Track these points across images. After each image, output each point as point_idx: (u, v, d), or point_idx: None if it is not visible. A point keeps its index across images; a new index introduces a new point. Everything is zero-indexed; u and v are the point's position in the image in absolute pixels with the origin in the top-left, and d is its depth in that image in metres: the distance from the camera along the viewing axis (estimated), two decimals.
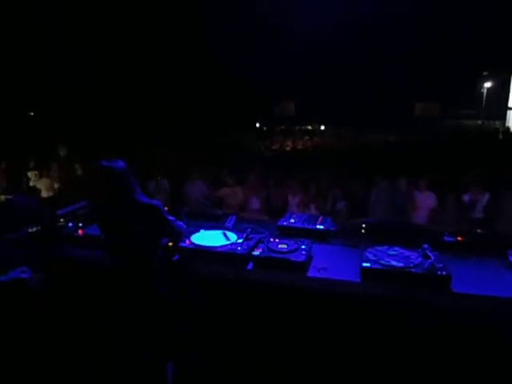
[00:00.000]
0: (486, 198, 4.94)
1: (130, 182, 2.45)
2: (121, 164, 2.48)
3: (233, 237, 2.99)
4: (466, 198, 5.16)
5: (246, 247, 2.81)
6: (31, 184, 6.48)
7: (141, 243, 2.44)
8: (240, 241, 2.91)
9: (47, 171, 6.71)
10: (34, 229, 3.15)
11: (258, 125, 21.99)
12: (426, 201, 5.43)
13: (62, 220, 3.28)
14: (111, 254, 2.55)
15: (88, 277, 2.79)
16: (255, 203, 5.68)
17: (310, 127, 23.93)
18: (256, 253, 2.76)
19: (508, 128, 21.13)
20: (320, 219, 3.40)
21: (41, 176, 6.58)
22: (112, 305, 2.51)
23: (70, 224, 3.22)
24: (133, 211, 2.41)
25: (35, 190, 6.28)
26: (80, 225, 3.21)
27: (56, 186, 6.42)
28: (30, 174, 6.61)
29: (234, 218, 3.46)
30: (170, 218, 2.54)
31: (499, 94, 24.74)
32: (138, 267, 2.46)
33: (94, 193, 2.69)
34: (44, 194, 6.24)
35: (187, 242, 2.91)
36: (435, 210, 5.38)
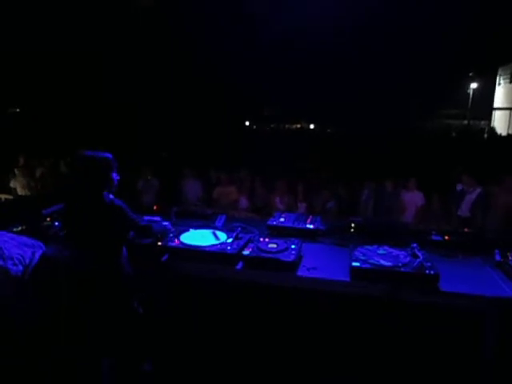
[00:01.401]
0: (477, 191, 5.00)
1: (106, 176, 2.43)
2: (106, 155, 2.45)
3: (222, 236, 2.97)
4: (458, 187, 5.24)
5: (235, 247, 2.80)
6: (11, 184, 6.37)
7: (102, 240, 2.41)
8: (230, 240, 2.90)
9: (30, 169, 6.59)
10: (19, 228, 3.09)
11: (247, 123, 21.98)
12: (413, 200, 5.50)
13: (47, 219, 3.21)
14: (73, 248, 2.51)
15: (74, 276, 2.73)
16: (244, 202, 5.67)
17: (299, 126, 24.02)
18: (246, 252, 2.74)
19: (493, 128, 21.51)
20: (310, 218, 3.41)
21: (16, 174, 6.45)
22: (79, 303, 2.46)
23: (56, 223, 3.16)
24: (98, 209, 2.40)
25: (9, 189, 6.18)
26: None
27: (33, 184, 6.32)
28: (17, 171, 6.49)
29: (224, 217, 3.44)
30: (134, 216, 2.50)
31: (485, 95, 25.19)
32: (100, 264, 2.42)
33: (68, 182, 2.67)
34: (20, 193, 6.13)
35: (176, 241, 2.89)
36: (423, 208, 5.44)
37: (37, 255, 2.41)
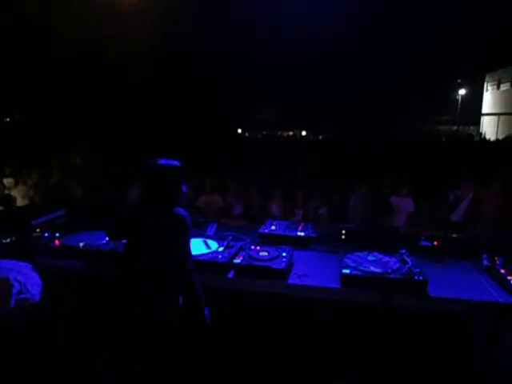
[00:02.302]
0: (469, 197, 5.05)
1: (180, 186, 2.30)
2: (178, 164, 2.31)
3: (214, 245, 2.98)
4: (451, 195, 5.29)
5: (227, 255, 2.80)
6: (6, 192, 6.29)
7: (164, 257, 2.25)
8: (221, 249, 2.90)
9: (24, 178, 6.53)
10: (8, 239, 3.06)
11: (239, 131, 22.05)
12: (404, 205, 5.55)
13: (37, 230, 3.19)
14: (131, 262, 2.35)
15: (66, 287, 2.72)
16: (237, 209, 5.68)
17: (291, 133, 24.13)
18: (237, 261, 2.75)
19: (481, 133, 21.86)
20: (301, 226, 3.43)
21: (16, 183, 6.39)
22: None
23: (46, 234, 3.14)
24: (168, 221, 2.23)
25: (10, 198, 6.10)
26: (57, 235, 3.13)
27: (31, 193, 6.25)
28: (5, 181, 6.42)
29: (215, 225, 3.45)
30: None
31: (473, 101, 25.63)
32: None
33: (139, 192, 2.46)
34: (19, 203, 6.06)
35: None
36: (413, 213, 5.50)
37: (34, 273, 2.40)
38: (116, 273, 2.56)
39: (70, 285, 2.75)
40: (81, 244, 2.96)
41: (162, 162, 2.29)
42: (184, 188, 2.35)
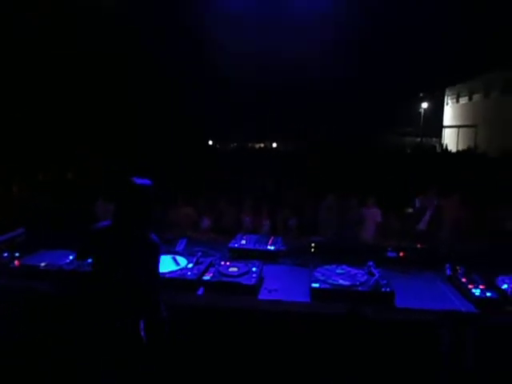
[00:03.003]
0: (434, 204, 5.22)
1: (152, 206, 2.26)
2: (150, 183, 2.26)
3: (183, 261, 2.93)
4: (417, 203, 5.45)
5: (196, 272, 2.76)
6: None
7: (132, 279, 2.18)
8: (190, 265, 2.86)
9: None
10: None
11: (210, 143, 22.01)
12: (372, 216, 5.68)
13: None
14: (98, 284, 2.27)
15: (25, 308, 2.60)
16: (205, 222, 5.63)
17: (262, 145, 24.33)
18: (207, 277, 2.72)
19: (443, 145, 22.88)
20: (271, 240, 3.44)
21: None
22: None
23: (5, 254, 2.99)
24: (140, 246, 2.18)
25: None
26: (16, 254, 2.98)
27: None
28: None
29: (185, 241, 3.40)
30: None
31: (435, 114, 26.87)
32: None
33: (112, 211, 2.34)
34: None
35: None
36: (381, 224, 5.64)
37: None
38: (82, 293, 2.46)
39: (31, 306, 2.63)
40: (42, 264, 2.84)
41: (137, 181, 2.23)
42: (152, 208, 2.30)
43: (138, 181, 2.24)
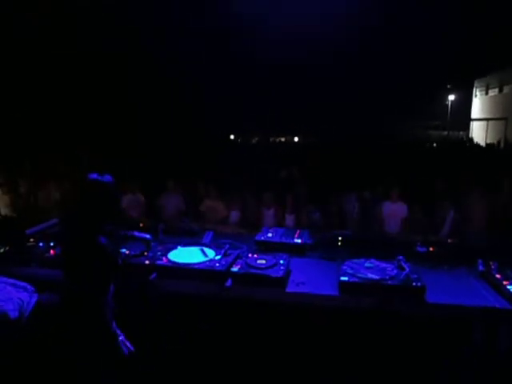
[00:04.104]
0: (451, 215, 5.10)
1: (109, 203, 2.25)
2: (110, 179, 2.25)
3: (211, 253, 2.97)
4: (437, 213, 5.33)
5: (224, 263, 2.79)
6: None
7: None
8: (218, 257, 2.89)
9: (10, 187, 6.41)
10: (2, 249, 3.02)
11: (232, 137, 22.07)
12: (397, 211, 5.58)
13: (31, 240, 3.15)
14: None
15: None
16: (234, 216, 5.66)
17: (283, 139, 24.23)
18: (234, 269, 2.74)
19: (471, 138, 22.19)
20: (297, 233, 3.43)
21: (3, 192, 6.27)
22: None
23: (41, 244, 3.10)
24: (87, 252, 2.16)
25: None
26: (51, 244, 3.09)
27: (19, 202, 6.14)
28: None
29: (212, 233, 3.44)
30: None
31: (462, 106, 26.05)
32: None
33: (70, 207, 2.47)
34: (2, 212, 5.95)
35: (164, 259, 2.87)
36: (407, 219, 5.53)
37: (33, 300, 2.37)
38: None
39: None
40: None
41: (93, 176, 2.22)
42: (114, 204, 2.30)
43: (94, 176, 2.21)
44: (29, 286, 2.45)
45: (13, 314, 2.27)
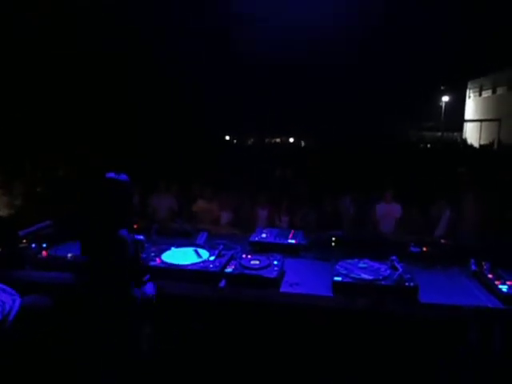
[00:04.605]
0: (447, 214, 5.12)
1: (127, 202, 2.37)
2: (126, 178, 2.36)
3: (205, 254, 2.96)
4: (433, 212, 5.35)
5: (218, 264, 2.79)
6: None
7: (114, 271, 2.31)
8: (212, 258, 2.89)
9: (7, 188, 6.38)
10: None
11: (227, 138, 22.05)
12: (392, 211, 5.60)
13: (24, 241, 3.12)
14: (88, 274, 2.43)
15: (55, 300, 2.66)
16: (226, 217, 5.65)
17: (278, 140, 24.24)
18: (229, 270, 2.74)
19: (465, 139, 22.34)
20: (291, 233, 3.43)
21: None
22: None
23: (33, 245, 3.07)
24: (109, 246, 2.29)
25: None
26: (44, 246, 3.07)
27: (16, 203, 6.10)
28: None
29: (206, 234, 3.43)
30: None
31: (456, 108, 26.24)
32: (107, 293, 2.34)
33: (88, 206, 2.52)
34: (1, 212, 5.91)
35: (158, 260, 2.85)
36: (402, 219, 5.55)
37: (17, 303, 2.34)
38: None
39: (58, 296, 2.70)
40: (69, 255, 2.91)
41: (110, 176, 2.32)
42: (130, 204, 2.43)
43: (111, 175, 2.32)
44: (8, 288, 2.42)
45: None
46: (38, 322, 2.35)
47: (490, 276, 2.70)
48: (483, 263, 2.87)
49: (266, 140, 22.84)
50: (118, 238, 2.28)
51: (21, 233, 3.22)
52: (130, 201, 2.43)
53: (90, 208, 2.44)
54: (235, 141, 22.10)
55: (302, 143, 22.39)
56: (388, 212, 5.61)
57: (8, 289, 2.41)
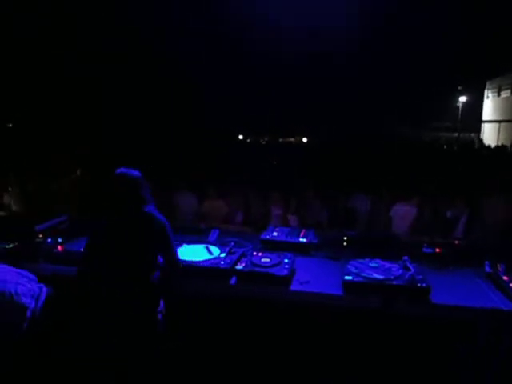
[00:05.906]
0: (465, 216, 5.03)
1: (143, 192, 2.43)
2: (136, 173, 2.46)
3: (216, 251, 2.98)
4: (449, 213, 5.26)
5: (229, 261, 2.81)
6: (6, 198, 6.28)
7: (136, 259, 2.35)
8: (223, 255, 2.91)
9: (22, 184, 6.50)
10: (11, 245, 3.07)
11: (240, 137, 22.11)
12: (406, 212, 5.53)
13: (40, 236, 3.19)
14: (97, 269, 2.44)
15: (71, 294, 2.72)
16: (238, 215, 5.66)
17: (292, 139, 24.19)
18: (239, 267, 2.76)
19: (481, 140, 21.92)
20: (303, 232, 3.43)
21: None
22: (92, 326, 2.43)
23: (49, 240, 3.14)
24: (137, 222, 2.37)
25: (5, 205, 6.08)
26: (59, 240, 3.13)
27: (26, 199, 6.22)
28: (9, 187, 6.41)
29: (217, 231, 3.45)
30: (175, 243, 2.49)
31: (473, 108, 25.74)
32: (126, 285, 2.35)
33: (104, 202, 2.59)
34: (14, 209, 6.04)
35: None
36: (415, 220, 5.48)
37: (44, 291, 2.41)
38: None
39: (74, 291, 2.75)
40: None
41: (120, 170, 2.44)
42: (147, 194, 2.46)
43: (120, 170, 2.43)
44: (33, 276, 2.49)
45: (31, 306, 2.30)
46: (60, 310, 2.40)
47: (504, 278, 2.65)
48: (498, 265, 2.82)
49: (280, 139, 22.82)
50: (145, 214, 2.36)
51: (37, 228, 3.29)
52: (146, 190, 2.46)
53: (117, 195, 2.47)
54: (248, 140, 22.14)
55: (305, 141, 22.34)
56: (401, 212, 5.55)
57: (33, 277, 2.48)
